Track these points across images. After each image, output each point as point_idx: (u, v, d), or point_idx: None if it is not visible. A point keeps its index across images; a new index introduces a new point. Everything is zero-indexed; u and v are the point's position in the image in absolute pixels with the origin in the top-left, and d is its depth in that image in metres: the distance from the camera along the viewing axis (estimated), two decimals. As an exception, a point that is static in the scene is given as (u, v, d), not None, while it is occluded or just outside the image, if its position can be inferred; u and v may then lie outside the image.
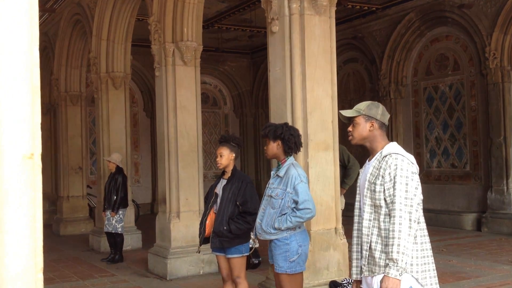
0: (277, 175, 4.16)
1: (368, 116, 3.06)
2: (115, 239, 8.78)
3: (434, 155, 12.03)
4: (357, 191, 3.13)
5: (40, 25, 12.62)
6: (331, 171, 5.33)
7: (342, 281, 5.02)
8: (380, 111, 3.08)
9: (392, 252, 2.75)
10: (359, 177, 3.19)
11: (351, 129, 3.13)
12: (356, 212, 3.11)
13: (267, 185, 4.32)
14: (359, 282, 3.11)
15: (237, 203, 4.64)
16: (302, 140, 5.13)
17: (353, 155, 7.23)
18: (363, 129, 3.07)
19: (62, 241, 11.32)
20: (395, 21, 12.55)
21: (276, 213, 4.02)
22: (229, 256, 4.75)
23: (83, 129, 12.57)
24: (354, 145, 3.24)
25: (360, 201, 3.08)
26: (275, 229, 4.04)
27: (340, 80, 14.01)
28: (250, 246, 7.74)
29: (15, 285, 1.08)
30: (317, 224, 5.20)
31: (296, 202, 3.99)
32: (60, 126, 12.50)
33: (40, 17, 13.22)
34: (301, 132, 5.16)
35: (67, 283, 7.38)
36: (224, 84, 17.84)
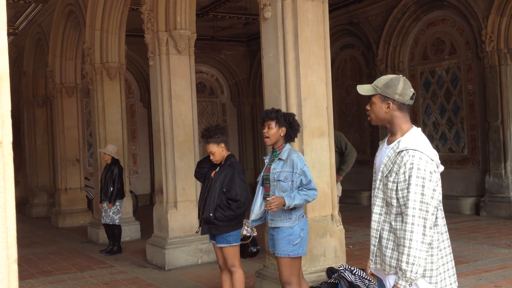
0: (279, 158, 4.18)
1: (384, 96, 2.69)
2: (113, 231, 8.77)
3: (432, 140, 11.98)
4: (374, 171, 2.85)
5: (33, 17, 12.54)
6: (327, 158, 5.29)
7: (339, 267, 5.01)
8: (399, 89, 2.67)
9: (401, 261, 2.53)
10: (376, 156, 2.89)
11: (368, 108, 2.80)
12: (373, 192, 2.80)
13: (262, 172, 4.29)
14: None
15: (224, 190, 4.65)
16: (296, 127, 5.12)
17: (351, 142, 7.18)
18: (379, 110, 2.72)
19: (61, 233, 11.32)
20: (390, 5, 12.46)
21: (289, 195, 4.04)
22: (218, 245, 4.77)
23: (79, 121, 12.52)
24: (374, 125, 2.92)
25: (375, 184, 2.79)
26: (285, 212, 4.07)
27: (336, 66, 13.95)
28: (248, 234, 7.75)
29: (-16, 277, 1.04)
30: (313, 211, 5.18)
31: (301, 184, 4.09)
32: (56, 118, 12.45)
33: (34, 8, 13.13)
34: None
35: (65, 275, 7.38)
36: (221, 73, 17.76)
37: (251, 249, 7.66)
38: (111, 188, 8.64)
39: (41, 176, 14.79)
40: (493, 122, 10.59)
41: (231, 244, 4.73)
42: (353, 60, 13.92)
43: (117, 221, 8.74)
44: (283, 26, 5.20)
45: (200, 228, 4.82)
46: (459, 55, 11.39)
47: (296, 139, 5.08)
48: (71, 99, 12.35)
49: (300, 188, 4.06)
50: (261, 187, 4.30)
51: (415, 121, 12.35)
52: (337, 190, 6.68)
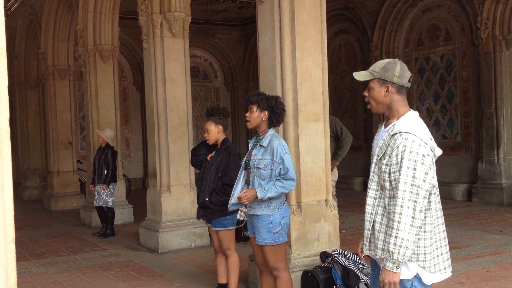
0: (260, 145, 4.08)
1: (383, 80, 2.68)
2: (106, 214, 8.75)
3: (426, 127, 12.01)
4: (372, 155, 2.82)
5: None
6: (322, 143, 5.28)
7: (333, 252, 5.02)
8: (397, 72, 2.67)
9: (389, 243, 2.54)
10: (374, 139, 2.87)
11: (366, 94, 2.77)
12: (370, 176, 2.79)
13: (246, 156, 4.23)
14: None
15: (219, 175, 4.64)
16: (293, 111, 5.09)
17: (346, 127, 7.16)
18: (378, 95, 2.70)
19: (53, 216, 11.29)
20: (386, -9, 12.39)
21: (267, 183, 3.98)
22: (214, 229, 4.78)
23: (72, 104, 12.42)
24: (375, 113, 2.92)
25: (371, 167, 2.78)
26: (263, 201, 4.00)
27: (331, 52, 13.89)
28: (242, 219, 7.77)
29: (-19, 256, 1.02)
30: (308, 196, 5.18)
31: (279, 173, 3.97)
32: (49, 100, 12.34)
33: (26, -11, 12.94)
34: (291, 103, 5.12)
35: (58, 257, 7.37)
36: (215, 57, 17.64)
37: (244, 233, 7.67)
38: (105, 171, 8.60)
39: (33, 159, 14.71)
40: (486, 109, 10.61)
41: (227, 228, 4.74)
42: (348, 45, 13.87)
43: (110, 203, 8.72)
44: (279, 9, 5.14)
45: (197, 212, 4.83)
46: (454, 42, 11.37)
47: (290, 124, 5.09)
48: (64, 82, 12.24)
49: (277, 178, 3.95)
50: (243, 171, 4.22)
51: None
52: (334, 175, 6.68)
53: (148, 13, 7.51)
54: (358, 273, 4.84)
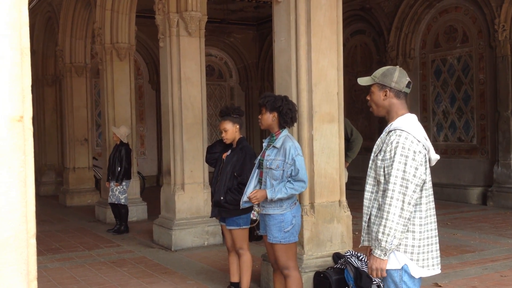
0: (273, 146, 4.12)
1: (382, 85, 2.88)
2: (120, 211, 8.82)
3: (441, 129, 11.94)
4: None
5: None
6: (336, 144, 5.28)
7: (346, 253, 5.03)
8: (395, 77, 2.86)
9: (378, 232, 2.72)
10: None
11: (368, 98, 2.98)
12: (367, 172, 2.99)
13: (259, 156, 4.27)
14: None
15: (235, 174, 4.66)
16: (307, 112, 5.10)
17: (359, 128, 7.15)
18: (377, 98, 2.91)
19: (69, 212, 11.41)
20: (403, -8, 12.33)
21: (278, 184, 4.01)
22: (228, 227, 4.81)
23: (88, 101, 12.56)
24: (377, 116, 3.07)
25: (369, 163, 2.97)
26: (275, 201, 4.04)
27: (347, 52, 13.85)
28: (254, 218, 7.78)
29: (5, 250, 1.06)
30: (321, 197, 5.19)
31: (291, 174, 4.01)
32: (65, 97, 12.49)
33: (44, -13, 13.08)
34: (305, 104, 5.13)
35: (73, 253, 7.45)
36: (230, 56, 17.68)
37: (257, 233, 7.67)
38: (119, 168, 8.67)
39: (50, 155, 14.86)
40: (503, 112, 10.52)
41: (241, 227, 4.76)
42: (364, 46, 13.83)
43: (123, 200, 8.78)
44: (295, 10, 5.15)
45: (211, 211, 4.86)
46: (471, 44, 11.29)
47: (305, 124, 5.09)
48: (81, 79, 12.38)
49: (288, 179, 3.99)
50: (257, 170, 4.25)
51: (424, 109, 12.30)
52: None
53: (165, 12, 7.56)
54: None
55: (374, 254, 2.76)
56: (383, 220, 2.70)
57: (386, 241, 2.70)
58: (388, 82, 2.87)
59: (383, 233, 2.70)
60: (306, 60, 5.14)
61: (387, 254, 2.73)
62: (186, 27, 7.55)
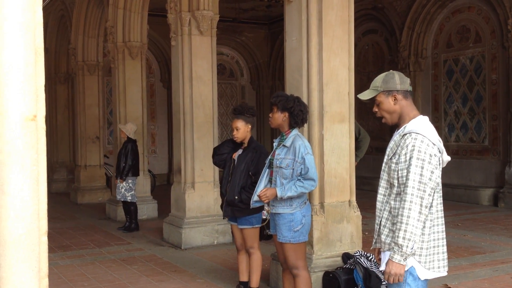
0: (283, 145, 4.13)
1: (388, 91, 2.85)
2: (129, 208, 8.84)
3: (453, 129, 11.87)
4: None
5: (57, -7, 12.51)
6: (346, 143, 5.27)
7: (355, 253, 5.02)
8: (397, 80, 2.86)
9: (398, 237, 2.68)
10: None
11: (376, 110, 2.94)
12: (380, 175, 2.98)
13: (270, 155, 4.28)
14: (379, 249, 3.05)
15: (250, 173, 4.66)
16: (318, 112, 5.10)
17: (370, 128, 7.13)
18: (388, 106, 2.87)
19: (79, 209, 11.49)
20: (416, -9, 12.26)
21: (289, 183, 4.02)
22: (240, 226, 4.81)
23: (100, 99, 12.62)
24: (385, 123, 3.01)
25: (382, 166, 2.95)
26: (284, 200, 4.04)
27: (358, 52, 13.81)
28: (264, 217, 7.79)
29: (17, 247, 1.07)
30: (331, 197, 5.18)
31: (301, 173, 4.02)
32: (78, 95, 12.56)
33: (57, -15, 13.17)
34: (316, 103, 5.13)
35: (83, 250, 7.50)
36: (241, 55, 17.70)
37: (266, 232, 7.68)
38: (123, 164, 8.69)
39: (61, 152, 14.96)
40: (516, 113, 10.44)
41: (253, 226, 4.77)
42: (376, 46, 13.77)
43: (129, 198, 8.77)
44: (307, 9, 5.15)
45: (223, 210, 4.85)
46: (484, 44, 11.20)
47: (315, 124, 5.09)
48: (93, 77, 12.44)
49: (298, 178, 4.00)
50: (267, 169, 4.27)
51: (436, 109, 12.22)
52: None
53: (177, 11, 7.59)
54: (380, 275, 4.83)
55: (393, 260, 2.70)
56: (403, 225, 2.67)
57: (407, 246, 2.66)
58: (394, 86, 2.85)
59: (403, 238, 2.66)
60: (317, 60, 5.14)
61: (407, 259, 2.70)
62: (198, 26, 7.57)
